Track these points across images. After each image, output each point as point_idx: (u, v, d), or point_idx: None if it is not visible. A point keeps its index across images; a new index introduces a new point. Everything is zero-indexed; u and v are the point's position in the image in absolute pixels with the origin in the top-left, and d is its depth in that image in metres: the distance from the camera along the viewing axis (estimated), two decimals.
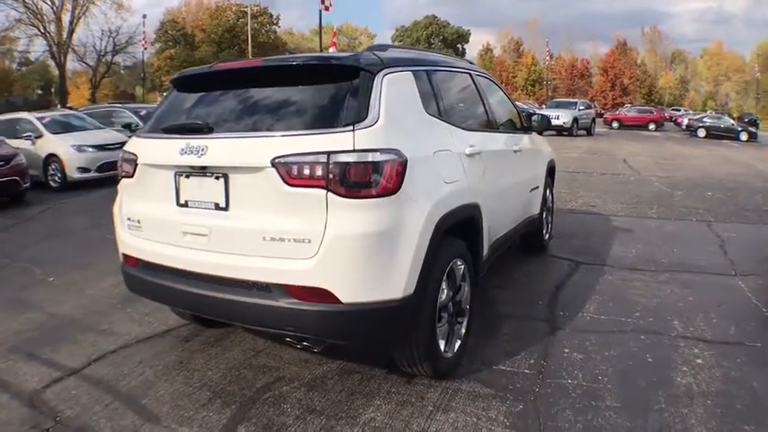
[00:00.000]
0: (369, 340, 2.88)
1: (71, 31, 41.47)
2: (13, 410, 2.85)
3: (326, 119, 2.57)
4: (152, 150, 2.98)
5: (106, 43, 43.39)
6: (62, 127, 11.09)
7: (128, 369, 3.26)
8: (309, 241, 2.47)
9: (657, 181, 11.23)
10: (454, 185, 3.03)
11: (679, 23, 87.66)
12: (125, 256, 3.16)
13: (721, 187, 10.43)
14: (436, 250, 2.74)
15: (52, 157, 10.32)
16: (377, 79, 2.69)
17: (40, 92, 48.25)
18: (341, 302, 2.48)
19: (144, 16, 43.60)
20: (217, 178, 2.69)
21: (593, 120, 28.15)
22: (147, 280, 3.00)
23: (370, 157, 2.47)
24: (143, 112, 13.88)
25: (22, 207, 8.82)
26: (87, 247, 6.20)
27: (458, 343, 3.17)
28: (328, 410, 2.80)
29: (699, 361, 3.28)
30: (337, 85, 2.68)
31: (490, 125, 4.06)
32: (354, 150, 2.45)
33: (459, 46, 67.65)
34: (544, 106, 32.31)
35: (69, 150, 10.26)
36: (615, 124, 34.96)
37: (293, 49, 55.95)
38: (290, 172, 2.47)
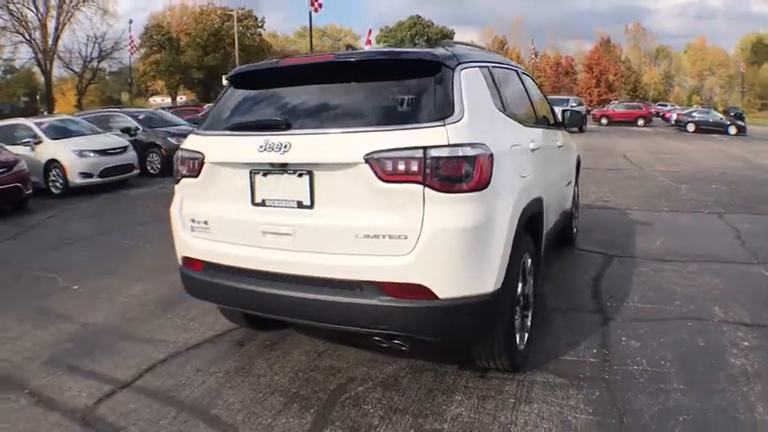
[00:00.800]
0: (461, 335, 2.81)
1: (56, 38, 40.73)
2: (67, 431, 2.68)
3: (413, 114, 2.54)
4: (222, 148, 2.87)
5: (92, 49, 42.75)
6: (61, 132, 10.85)
7: (186, 378, 3.13)
8: (406, 237, 2.42)
9: (661, 175, 11.32)
10: (527, 180, 3.05)
11: (661, 19, 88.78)
12: (187, 259, 3.04)
13: (724, 180, 10.54)
14: (518, 244, 2.74)
15: (53, 163, 10.11)
16: (456, 74, 2.67)
17: (26, 99, 47.49)
18: (437, 298, 2.44)
19: (130, 21, 43.03)
20: (300, 176, 2.62)
21: (585, 116, 28.50)
22: (216, 283, 2.88)
23: (464, 152, 2.44)
24: (141, 116, 13.69)
25: (25, 214, 8.61)
26: (104, 253, 6.06)
27: (526, 336, 3.16)
28: (412, 408, 2.75)
29: (745, 343, 3.39)
30: (419, 79, 2.64)
31: (538, 121, 4.07)
32: (449, 145, 2.42)
33: None
34: None
35: (71, 156, 10.06)
36: (604, 121, 35.17)
37: (280, 52, 55.94)
38: (385, 167, 2.43)
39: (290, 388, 2.98)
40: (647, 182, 10.45)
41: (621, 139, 22.73)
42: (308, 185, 2.61)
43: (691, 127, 30.21)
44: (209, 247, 2.90)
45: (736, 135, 28.43)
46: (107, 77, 52.24)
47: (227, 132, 2.91)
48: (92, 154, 10.29)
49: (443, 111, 2.51)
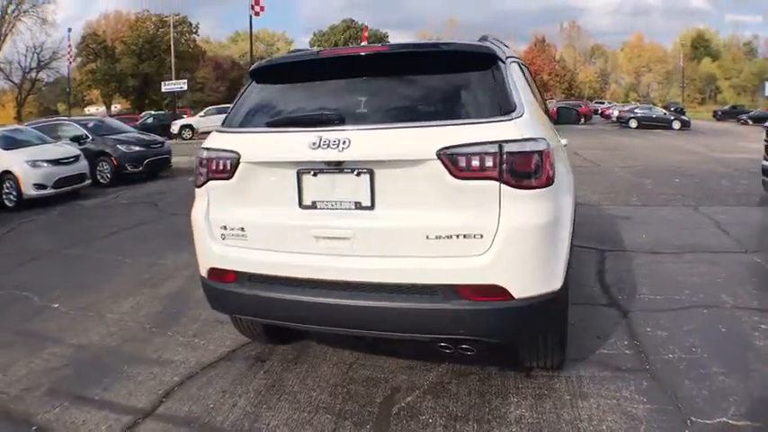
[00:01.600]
0: (531, 335, 2.71)
1: None
2: None
3: (476, 108, 2.48)
4: (264, 146, 2.65)
5: (31, 60, 40.72)
6: (12, 143, 10.11)
7: (213, 402, 2.88)
8: (481, 236, 2.33)
9: (620, 171, 11.67)
10: (570, 176, 3.04)
11: (597, 17, 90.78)
12: (215, 270, 2.78)
13: (684, 174, 10.96)
14: (572, 240, 2.70)
15: (6, 175, 9.39)
16: (508, 68, 2.61)
17: None
18: (513, 298, 2.36)
19: (69, 30, 40.89)
20: (358, 174, 2.45)
21: None
22: (255, 295, 2.65)
23: (533, 147, 2.37)
24: (90, 124, 12.97)
25: None
26: (77, 268, 5.62)
27: None
28: (472, 414, 2.65)
29: (763, 326, 3.50)
30: (475, 73, 2.55)
31: (550, 118, 4.05)
32: (522, 139, 2.34)
33: None
34: None
35: (24, 166, 9.39)
36: None
37: (214, 58, 54.80)
38: (458, 163, 2.32)
39: (333, 404, 2.80)
40: (609, 177, 10.72)
41: (568, 137, 23.34)
42: (369, 185, 2.44)
43: (633, 123, 31.36)
44: (245, 255, 2.67)
45: (680, 129, 29.59)
46: (43, 88, 50.00)
47: (269, 129, 2.68)
48: (45, 164, 9.66)
49: (506, 105, 2.44)
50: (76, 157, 10.44)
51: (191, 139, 26.89)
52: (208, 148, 2.80)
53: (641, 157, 14.84)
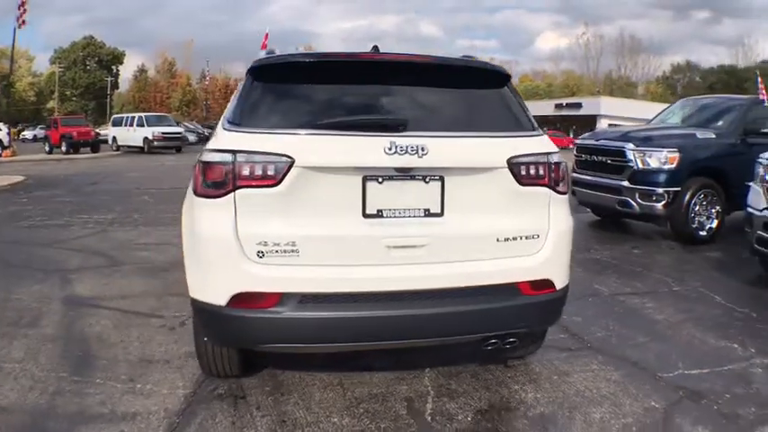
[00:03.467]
0: (557, 320, 2.93)
1: None
2: None
3: (516, 122, 2.68)
4: (326, 150, 2.37)
5: None
6: None
7: None
8: (537, 237, 2.58)
9: None
10: None
11: (331, 42, 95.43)
12: (247, 296, 2.32)
13: None
14: None
15: None
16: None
17: None
18: (556, 290, 2.65)
19: None
20: (428, 181, 2.43)
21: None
22: (307, 319, 2.32)
23: (561, 158, 2.71)
24: None
25: None
26: None
27: None
28: (495, 404, 2.80)
29: (649, 305, 4.34)
30: (499, 90, 2.74)
31: None
32: (556, 151, 2.68)
33: (113, 67, 68.49)
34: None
35: None
36: None
37: None
38: (523, 172, 2.53)
39: (366, 425, 2.58)
40: None
41: None
42: (440, 192, 2.44)
43: None
44: (296, 274, 2.32)
45: None
46: None
47: (329, 132, 2.40)
48: None
49: (531, 120, 2.73)
50: None
51: None
52: (249, 152, 2.31)
53: None
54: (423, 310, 2.39)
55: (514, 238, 2.53)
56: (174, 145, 26.13)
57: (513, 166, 2.51)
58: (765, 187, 4.58)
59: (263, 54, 4.34)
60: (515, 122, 2.67)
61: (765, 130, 6.49)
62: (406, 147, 2.34)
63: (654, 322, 3.99)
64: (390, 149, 2.33)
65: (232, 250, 2.30)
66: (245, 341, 2.51)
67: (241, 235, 2.31)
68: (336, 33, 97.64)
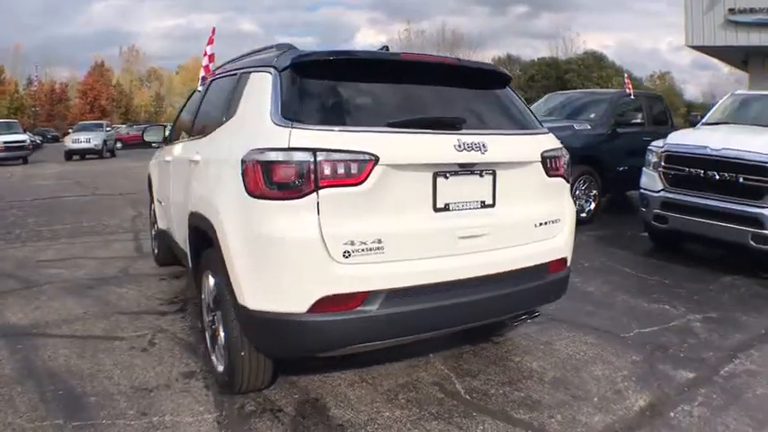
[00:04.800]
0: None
1: None
2: None
3: (531, 121, 2.97)
4: (405, 147, 2.41)
5: None
6: None
7: None
8: (559, 221, 2.93)
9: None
10: None
11: (153, 41, 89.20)
12: (333, 298, 2.25)
13: None
14: None
15: None
16: None
17: None
18: (568, 267, 3.00)
19: None
20: (482, 175, 2.61)
21: (116, 141, 29.17)
22: (392, 314, 2.33)
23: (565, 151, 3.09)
24: None
25: None
26: None
27: None
28: (513, 379, 3.03)
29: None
30: (507, 91, 3.03)
31: None
32: (562, 147, 3.04)
33: None
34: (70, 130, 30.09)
35: None
36: (119, 145, 32.64)
37: None
38: (548, 165, 2.86)
39: (417, 414, 2.65)
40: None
41: (135, 162, 22.26)
42: (492, 184, 2.63)
43: None
44: (381, 271, 2.32)
45: None
46: None
47: (405, 130, 2.45)
48: None
49: (537, 119, 3.06)
50: None
51: None
52: (316, 149, 2.22)
53: None
54: (484, 294, 2.57)
55: (545, 223, 2.83)
56: (21, 155, 21.84)
57: (544, 159, 2.82)
58: (660, 172, 5.38)
59: (209, 50, 4.06)
60: (533, 121, 2.97)
61: (634, 121, 7.57)
62: (471, 144, 2.50)
63: (589, 294, 4.52)
64: (459, 146, 2.48)
65: (317, 252, 2.22)
66: (323, 347, 2.42)
67: (326, 236, 2.23)
68: (153, 31, 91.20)
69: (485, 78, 2.95)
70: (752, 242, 4.61)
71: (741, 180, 4.68)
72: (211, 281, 2.79)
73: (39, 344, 3.35)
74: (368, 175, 2.27)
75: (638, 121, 7.72)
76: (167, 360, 3.15)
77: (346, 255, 2.25)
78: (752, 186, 4.63)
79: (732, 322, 3.89)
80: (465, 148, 2.48)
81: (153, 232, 5.28)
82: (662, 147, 5.49)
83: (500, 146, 2.62)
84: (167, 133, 4.64)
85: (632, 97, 8.27)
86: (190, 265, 3.30)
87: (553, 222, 2.87)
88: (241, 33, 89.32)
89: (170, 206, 3.98)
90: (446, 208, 2.50)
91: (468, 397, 2.81)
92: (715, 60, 19.41)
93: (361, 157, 2.27)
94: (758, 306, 4.24)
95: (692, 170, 5.04)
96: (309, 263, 2.23)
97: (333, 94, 2.53)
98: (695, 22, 12.72)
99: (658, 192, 5.36)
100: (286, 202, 2.22)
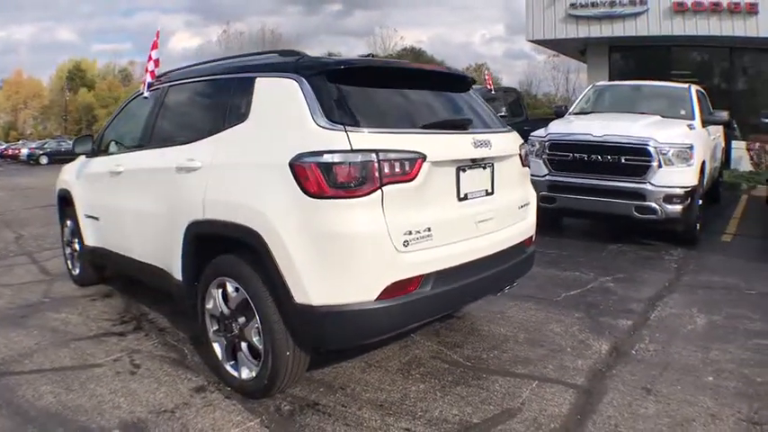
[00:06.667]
0: None
1: None
2: None
3: (501, 121, 3.48)
4: (441, 147, 2.74)
5: None
6: None
7: None
8: (530, 203, 3.41)
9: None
10: None
11: None
12: (398, 284, 2.48)
13: None
14: None
15: None
16: None
17: None
18: (533, 242, 3.48)
19: None
20: (485, 168, 3.00)
21: None
22: (438, 293, 2.63)
23: None
24: None
25: None
26: None
27: None
28: (503, 342, 3.55)
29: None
30: (469, 94, 3.43)
31: None
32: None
33: None
34: None
35: None
36: None
37: None
38: (522, 157, 3.39)
39: (441, 385, 2.98)
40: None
41: None
42: (491, 175, 3.03)
43: (44, 159, 30.34)
44: (431, 256, 2.60)
45: None
46: None
47: (438, 131, 2.83)
48: None
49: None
50: None
51: None
52: (377, 150, 2.43)
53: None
54: (496, 269, 2.99)
55: (523, 206, 3.33)
56: None
57: (521, 153, 3.33)
58: (545, 159, 6.24)
59: (155, 54, 3.90)
60: (501, 121, 3.44)
61: (500, 114, 8.51)
62: (482, 141, 2.91)
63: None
64: (475, 144, 2.86)
65: (384, 243, 2.43)
66: (386, 329, 2.62)
67: (391, 228, 2.45)
68: None
69: (462, 84, 3.35)
70: (635, 213, 5.66)
71: (623, 161, 5.70)
72: (231, 288, 2.80)
73: (11, 383, 3.00)
74: (418, 172, 2.55)
75: (503, 114, 8.68)
76: (165, 379, 3.04)
77: (405, 243, 2.50)
78: (633, 165, 5.68)
79: (638, 280, 4.82)
80: (479, 145, 2.88)
81: (69, 252, 4.81)
82: (545, 136, 6.34)
83: (497, 142, 3.05)
84: (95, 144, 4.27)
85: (493, 92, 9.19)
86: (178, 278, 3.17)
87: (527, 205, 3.38)
88: (58, 43, 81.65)
89: (123, 221, 3.73)
90: (466, 197, 2.86)
91: (469, 363, 3.20)
92: (528, 50, 21.77)
93: (412, 155, 2.54)
94: (651, 266, 5.29)
95: (576, 155, 5.96)
96: (378, 253, 2.43)
97: (365, 98, 2.73)
98: (536, 17, 14.42)
99: (544, 176, 6.18)
100: (353, 200, 2.39)
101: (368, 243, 2.42)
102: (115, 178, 3.80)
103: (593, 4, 13.61)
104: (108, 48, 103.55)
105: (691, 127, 6.32)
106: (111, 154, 4.09)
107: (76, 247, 4.62)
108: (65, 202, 4.73)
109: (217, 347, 2.98)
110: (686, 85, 7.38)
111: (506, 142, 3.21)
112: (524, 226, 3.30)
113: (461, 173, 2.82)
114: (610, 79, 13.34)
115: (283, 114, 2.66)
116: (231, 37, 48.32)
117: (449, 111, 3.13)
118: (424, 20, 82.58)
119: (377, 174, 2.41)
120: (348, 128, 2.45)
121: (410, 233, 2.52)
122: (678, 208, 5.62)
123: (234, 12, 76.78)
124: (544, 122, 7.07)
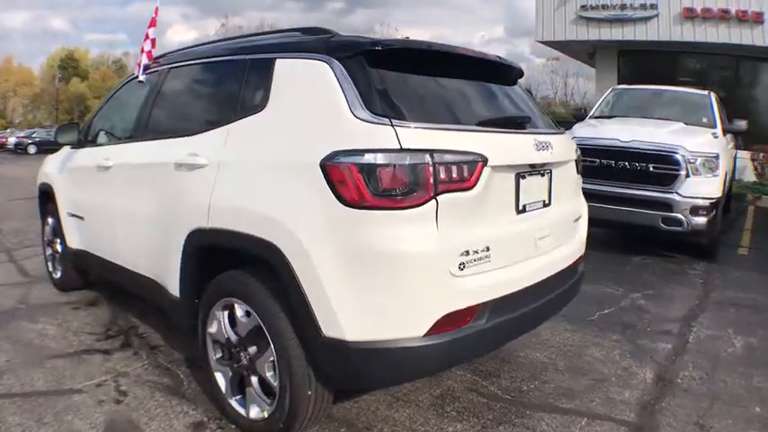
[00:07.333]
0: None
1: None
2: None
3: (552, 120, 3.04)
4: (503, 148, 2.26)
5: None
6: None
7: None
8: (582, 216, 2.99)
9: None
10: None
11: None
12: (451, 316, 2.00)
13: None
14: None
15: None
16: None
17: None
18: (582, 261, 3.03)
19: None
20: (543, 175, 2.54)
21: None
22: (497, 324, 2.16)
23: None
24: None
25: None
26: None
27: None
28: (542, 371, 3.15)
29: None
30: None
31: None
32: None
33: None
34: None
35: None
36: None
37: None
38: (579, 163, 2.97)
39: (482, 421, 2.59)
40: None
41: None
42: (548, 184, 2.59)
43: (32, 149, 29.41)
44: (490, 280, 2.13)
45: None
46: None
47: (499, 130, 2.35)
48: None
49: None
50: None
51: None
52: (432, 150, 1.96)
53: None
54: (553, 293, 2.55)
55: (577, 219, 2.90)
56: None
57: (577, 158, 2.90)
58: None
59: (152, 33, 3.44)
60: (554, 121, 2.99)
61: None
62: (544, 143, 2.45)
63: None
64: (538, 146, 2.40)
65: (438, 266, 1.97)
66: (430, 371, 2.25)
67: (446, 247, 1.99)
68: None
69: (511, 75, 2.83)
70: (662, 224, 5.28)
71: (651, 168, 5.32)
72: (240, 311, 2.33)
73: None
74: (479, 178, 2.07)
75: None
76: (157, 412, 2.59)
77: (461, 266, 2.02)
78: (661, 174, 5.30)
79: (667, 297, 4.46)
80: (541, 148, 2.42)
81: (50, 253, 4.35)
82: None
83: (557, 145, 2.59)
84: (82, 134, 3.81)
85: None
86: (174, 294, 2.71)
87: (580, 219, 2.94)
88: (51, 32, 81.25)
89: (111, 223, 3.27)
90: (524, 209, 2.40)
91: (509, 397, 2.80)
92: (526, 53, 21.69)
93: (471, 158, 2.06)
94: (677, 280, 4.94)
95: (603, 161, 5.57)
96: (430, 279, 1.96)
97: (410, 87, 2.24)
98: (546, 18, 14.13)
99: None
100: (401, 211, 1.93)
101: (418, 266, 1.95)
102: (103, 173, 3.31)
103: (603, 7, 13.35)
104: (102, 38, 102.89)
105: (714, 135, 6.00)
106: (100, 145, 3.60)
107: (58, 248, 4.15)
108: (46, 197, 4.25)
109: (220, 378, 2.51)
110: (706, 92, 7.07)
111: (564, 146, 2.76)
112: (578, 243, 2.87)
113: (521, 180, 2.36)
114: (618, 83, 13.10)
115: (311, 104, 2.17)
116: (229, 31, 47.76)
117: (506, 106, 2.63)
118: (425, 19, 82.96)
119: (431, 179, 1.94)
120: (396, 122, 1.98)
121: (467, 253, 2.04)
122: (704, 220, 5.28)
123: (232, 5, 76.60)
124: None
